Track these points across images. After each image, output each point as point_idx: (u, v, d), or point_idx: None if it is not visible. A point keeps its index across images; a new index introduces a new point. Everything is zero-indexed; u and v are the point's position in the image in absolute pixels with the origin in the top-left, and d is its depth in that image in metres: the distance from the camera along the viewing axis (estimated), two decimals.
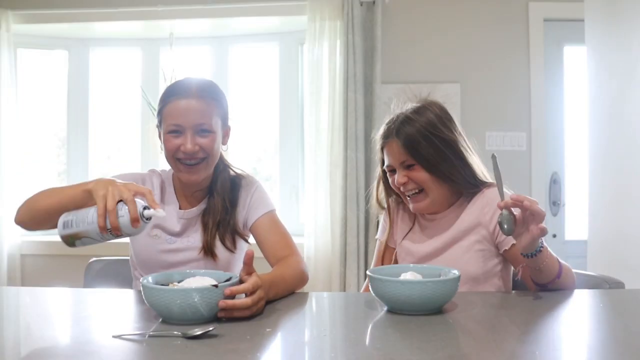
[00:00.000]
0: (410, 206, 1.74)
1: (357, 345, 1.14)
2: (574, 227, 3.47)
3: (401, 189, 1.73)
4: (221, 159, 1.81)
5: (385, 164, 1.76)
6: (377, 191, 1.87)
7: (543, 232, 1.41)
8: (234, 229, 1.77)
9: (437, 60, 3.44)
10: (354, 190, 3.30)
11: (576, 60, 3.44)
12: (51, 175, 3.98)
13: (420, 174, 1.69)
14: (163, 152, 1.74)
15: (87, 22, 3.63)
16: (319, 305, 1.50)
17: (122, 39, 3.89)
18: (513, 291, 1.66)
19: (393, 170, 1.74)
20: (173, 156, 1.70)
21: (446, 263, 1.65)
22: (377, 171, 1.87)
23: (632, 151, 2.39)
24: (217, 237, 1.74)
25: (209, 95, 1.70)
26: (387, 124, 1.76)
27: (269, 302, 1.43)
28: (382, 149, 1.77)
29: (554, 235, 3.48)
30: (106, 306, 1.46)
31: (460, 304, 1.38)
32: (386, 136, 1.73)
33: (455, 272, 1.38)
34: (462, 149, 1.70)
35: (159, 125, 1.75)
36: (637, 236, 2.33)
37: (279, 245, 1.73)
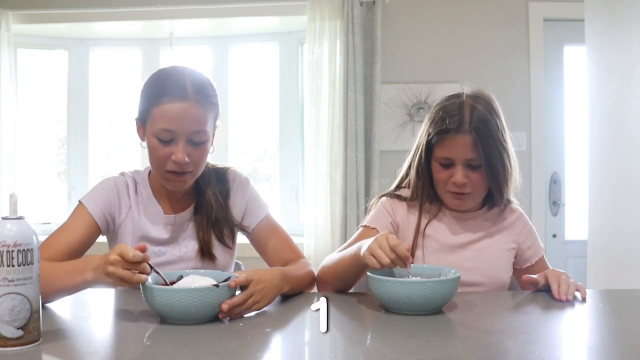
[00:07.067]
0: (454, 202, 1.62)
1: (357, 345, 1.14)
2: (574, 227, 3.47)
3: (451, 187, 1.58)
4: None
5: (442, 155, 1.58)
6: (419, 179, 1.65)
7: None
8: (232, 223, 1.64)
9: (437, 60, 3.44)
10: (354, 190, 3.30)
11: (576, 60, 3.43)
12: (51, 175, 3.98)
13: (480, 177, 1.57)
14: (147, 151, 1.55)
15: (87, 22, 3.62)
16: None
17: (122, 39, 3.89)
18: (512, 292, 1.66)
19: (448, 165, 1.58)
20: (162, 166, 1.51)
21: (476, 259, 1.63)
22: (412, 155, 1.69)
23: (632, 151, 2.39)
24: (214, 236, 1.61)
25: (207, 99, 1.51)
26: (452, 115, 1.57)
27: (283, 296, 1.45)
28: (440, 139, 1.57)
29: (554, 235, 3.48)
30: (106, 306, 1.46)
31: (460, 304, 1.38)
32: (455, 128, 1.55)
33: (455, 272, 1.38)
34: (512, 160, 1.61)
35: (142, 120, 1.54)
36: (637, 236, 2.33)
37: (284, 251, 1.66)
